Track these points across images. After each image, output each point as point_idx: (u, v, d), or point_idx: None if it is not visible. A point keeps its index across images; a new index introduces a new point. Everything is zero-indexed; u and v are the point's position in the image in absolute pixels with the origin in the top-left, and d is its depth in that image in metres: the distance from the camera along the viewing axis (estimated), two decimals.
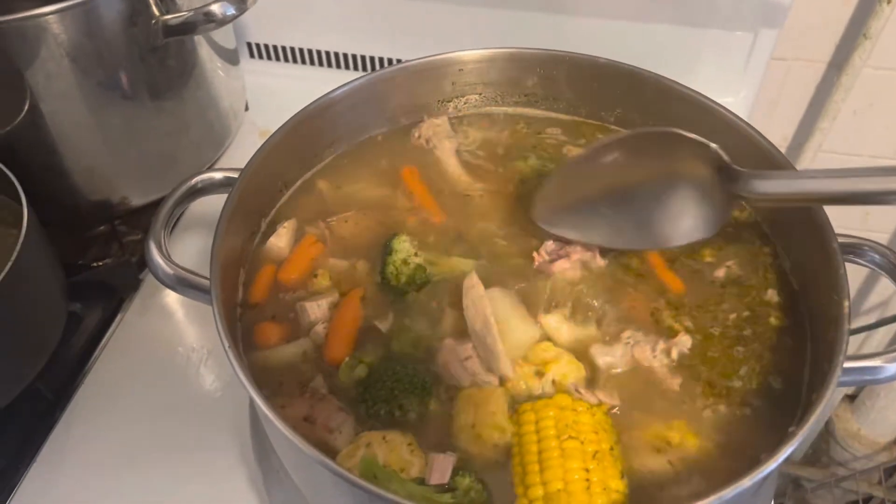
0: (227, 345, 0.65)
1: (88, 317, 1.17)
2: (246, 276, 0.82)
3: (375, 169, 0.95)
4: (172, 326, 1.18)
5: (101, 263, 1.24)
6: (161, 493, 0.97)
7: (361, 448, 0.66)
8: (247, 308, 0.81)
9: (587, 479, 0.65)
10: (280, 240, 0.86)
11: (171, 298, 1.21)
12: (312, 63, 1.53)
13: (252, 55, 1.56)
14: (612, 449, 0.68)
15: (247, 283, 0.82)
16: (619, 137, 0.77)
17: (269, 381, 0.75)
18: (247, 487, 0.96)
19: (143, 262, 1.23)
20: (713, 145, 0.73)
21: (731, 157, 0.87)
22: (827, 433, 2.15)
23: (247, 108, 1.46)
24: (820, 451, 2.19)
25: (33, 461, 1.01)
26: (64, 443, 1.03)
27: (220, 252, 0.71)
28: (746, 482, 0.57)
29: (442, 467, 0.66)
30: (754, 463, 0.60)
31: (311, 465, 0.62)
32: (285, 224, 0.88)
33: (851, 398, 2.13)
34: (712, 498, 0.56)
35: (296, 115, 0.84)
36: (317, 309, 0.79)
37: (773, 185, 0.74)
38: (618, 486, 0.66)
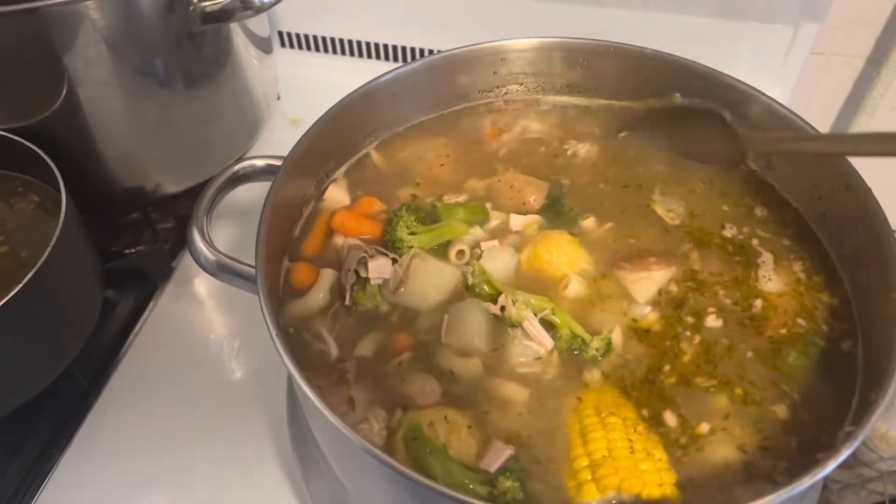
0: (273, 333, 0.64)
1: (122, 304, 1.17)
2: (289, 262, 0.82)
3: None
4: (205, 314, 1.18)
5: (134, 251, 1.24)
6: (195, 481, 0.97)
7: (424, 427, 0.66)
8: (289, 295, 0.81)
9: (631, 447, 0.66)
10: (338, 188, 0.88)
11: (204, 286, 1.21)
12: (344, 53, 1.52)
13: (283, 44, 1.55)
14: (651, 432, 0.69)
15: (289, 270, 0.82)
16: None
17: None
18: (283, 476, 0.96)
19: (176, 250, 1.24)
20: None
21: None
22: None
23: (278, 98, 1.46)
24: None
25: (68, 446, 1.01)
26: (98, 429, 1.03)
27: (265, 239, 0.71)
28: (806, 482, 0.56)
29: (495, 455, 0.65)
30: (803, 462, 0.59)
31: (358, 456, 0.61)
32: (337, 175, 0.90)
33: None
34: (770, 498, 0.55)
35: (339, 102, 0.83)
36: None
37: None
38: (661, 455, 0.67)
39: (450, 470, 0.63)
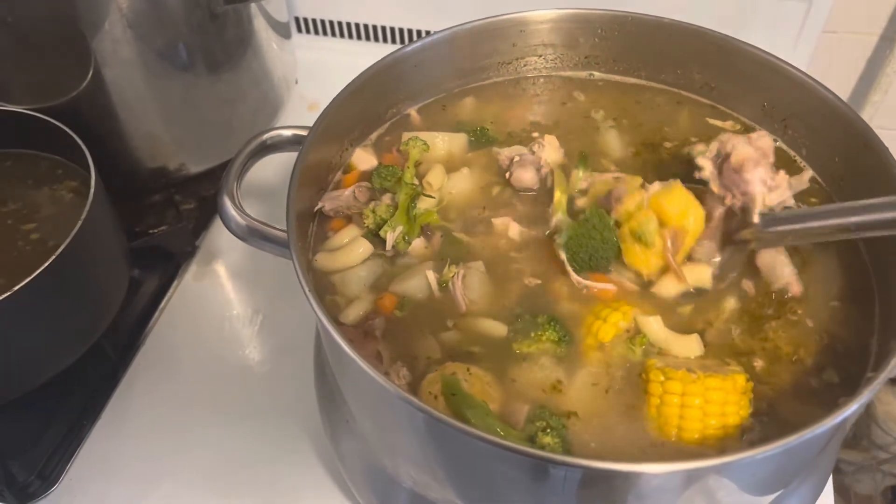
0: (306, 288, 0.66)
1: (147, 282, 1.20)
2: (317, 230, 0.84)
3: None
4: (228, 290, 1.20)
5: (158, 230, 1.26)
6: (222, 449, 1.00)
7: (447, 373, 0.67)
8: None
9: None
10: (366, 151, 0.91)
11: (227, 264, 1.23)
12: (360, 38, 1.54)
13: (300, 30, 1.58)
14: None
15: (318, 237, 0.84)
16: None
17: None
18: (309, 441, 0.98)
19: (199, 229, 1.27)
20: None
21: (798, 113, 0.87)
22: (868, 416, 2.13)
23: (296, 82, 1.48)
24: (860, 435, 2.17)
25: (99, 417, 1.04)
26: (127, 400, 1.06)
27: (295, 197, 0.73)
28: (827, 423, 0.57)
29: (518, 414, 0.67)
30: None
31: (393, 407, 0.63)
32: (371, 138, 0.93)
33: (894, 381, 2.11)
34: (791, 438, 0.57)
35: (365, 71, 0.85)
36: None
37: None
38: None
39: (490, 425, 0.64)
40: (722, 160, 0.76)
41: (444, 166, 0.88)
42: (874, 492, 2.15)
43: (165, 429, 1.03)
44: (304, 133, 0.82)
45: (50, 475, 0.98)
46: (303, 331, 1.01)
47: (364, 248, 0.80)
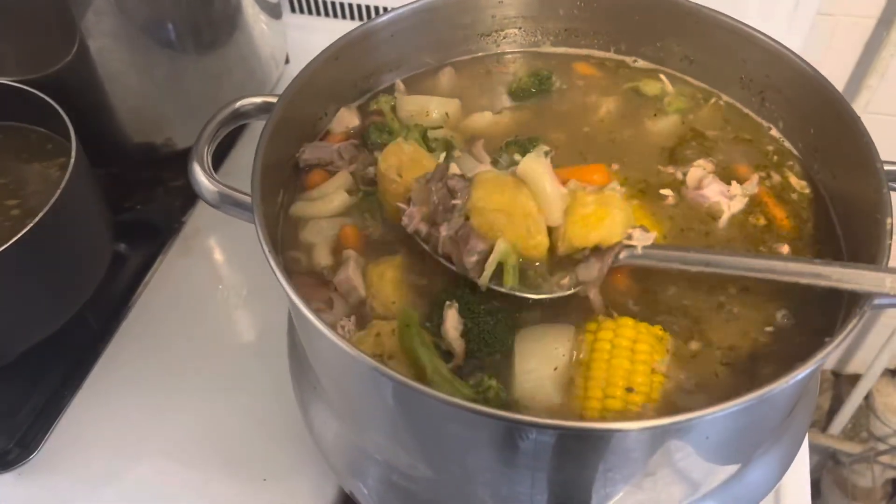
0: (267, 249, 0.66)
1: (132, 257, 1.20)
2: (285, 196, 0.84)
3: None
4: (213, 267, 1.21)
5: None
6: (202, 423, 1.00)
7: (371, 336, 0.69)
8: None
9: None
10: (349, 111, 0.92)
11: (213, 241, 1.24)
12: (353, 17, 1.54)
13: (293, 10, 1.58)
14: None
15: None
16: None
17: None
18: (289, 415, 0.98)
19: (186, 206, 1.27)
20: None
21: (775, 84, 0.86)
22: (867, 408, 2.11)
23: (287, 62, 1.48)
24: (860, 426, 2.15)
25: (80, 388, 1.05)
26: (109, 371, 1.06)
27: (262, 165, 0.73)
28: (782, 384, 0.57)
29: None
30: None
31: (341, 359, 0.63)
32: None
33: (893, 373, 2.09)
34: (742, 399, 0.56)
35: (336, 41, 0.86)
36: None
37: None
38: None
39: (436, 366, 0.65)
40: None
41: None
42: (874, 484, 2.14)
43: (146, 400, 1.03)
44: (273, 100, 0.82)
45: (30, 443, 0.99)
46: (285, 308, 1.01)
47: (341, 199, 0.83)
